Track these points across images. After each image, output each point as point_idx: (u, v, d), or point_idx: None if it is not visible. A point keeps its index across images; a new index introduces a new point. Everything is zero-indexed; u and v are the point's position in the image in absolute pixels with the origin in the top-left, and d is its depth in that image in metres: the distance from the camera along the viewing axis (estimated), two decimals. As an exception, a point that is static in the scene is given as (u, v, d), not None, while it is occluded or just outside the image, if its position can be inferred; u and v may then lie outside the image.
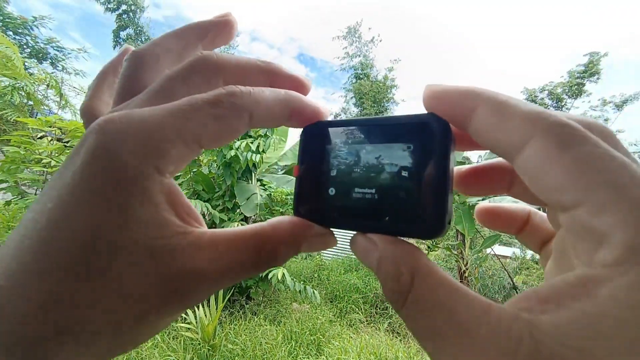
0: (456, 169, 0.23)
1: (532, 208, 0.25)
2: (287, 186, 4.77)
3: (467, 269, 5.12)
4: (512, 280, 6.22)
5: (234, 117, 0.19)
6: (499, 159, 0.22)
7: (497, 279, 6.74)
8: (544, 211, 0.24)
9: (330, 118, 0.24)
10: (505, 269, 6.20)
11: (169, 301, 0.17)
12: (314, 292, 3.79)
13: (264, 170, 5.46)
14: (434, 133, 0.19)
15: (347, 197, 0.21)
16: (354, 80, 19.95)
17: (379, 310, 5.10)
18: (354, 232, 0.21)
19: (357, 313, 4.84)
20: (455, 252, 5.37)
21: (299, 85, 0.23)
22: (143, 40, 20.52)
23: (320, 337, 3.74)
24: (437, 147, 0.19)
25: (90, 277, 0.15)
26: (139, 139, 0.16)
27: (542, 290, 0.15)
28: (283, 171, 5.93)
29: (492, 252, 6.46)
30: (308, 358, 3.31)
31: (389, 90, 19.70)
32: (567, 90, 13.46)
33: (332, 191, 0.22)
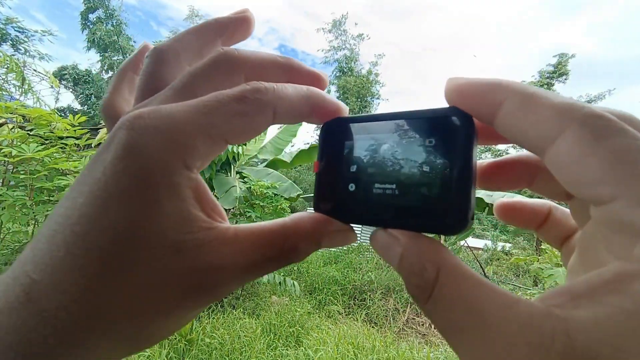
0: (477, 163, 0.22)
1: (552, 203, 0.25)
2: (267, 179, 4.72)
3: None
4: (484, 271, 6.52)
5: (258, 112, 0.19)
6: (520, 153, 0.22)
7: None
8: (565, 206, 0.24)
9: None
10: (477, 260, 6.48)
11: (195, 295, 0.17)
12: (293, 283, 3.81)
13: (243, 162, 5.37)
14: (456, 127, 0.18)
15: (368, 192, 0.21)
16: (339, 74, 19.95)
17: (357, 301, 5.19)
18: (374, 228, 0.21)
19: (336, 305, 4.91)
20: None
21: (317, 80, 0.24)
22: (114, 24, 19.50)
23: (299, 328, 3.77)
24: (459, 141, 0.18)
25: (122, 271, 0.16)
26: (168, 134, 0.17)
27: (575, 286, 0.14)
28: (263, 164, 5.87)
29: (466, 244, 6.71)
30: (287, 349, 3.33)
31: (372, 85, 19.88)
32: (537, 90, 14.08)
33: (352, 187, 0.22)
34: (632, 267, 0.13)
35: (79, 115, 2.97)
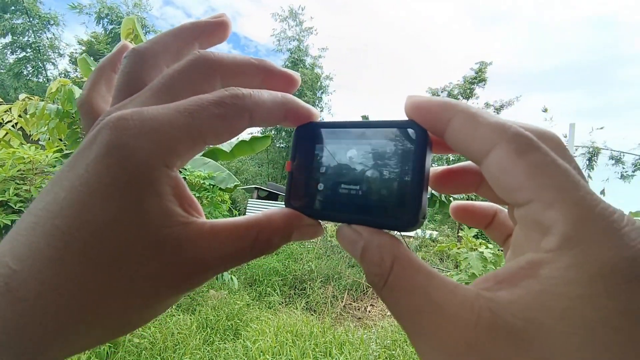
0: (432, 169, 0.26)
1: (498, 206, 0.28)
2: (203, 169, 4.48)
3: (376, 248, 5.66)
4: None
5: (236, 117, 0.20)
6: (469, 162, 0.25)
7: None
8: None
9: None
10: (407, 247, 7.03)
11: (174, 285, 0.18)
12: (231, 277, 3.72)
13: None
14: (414, 139, 0.21)
15: (335, 192, 0.23)
16: (290, 65, 19.59)
17: (297, 290, 5.30)
18: (338, 224, 0.23)
19: (276, 295, 4.95)
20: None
21: (290, 81, 0.25)
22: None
23: (238, 321, 3.73)
24: (416, 151, 0.21)
25: (102, 263, 0.16)
26: (151, 136, 0.17)
27: (499, 273, 0.17)
28: (201, 153, 5.54)
29: (398, 233, 7.23)
30: (225, 343, 3.27)
31: (318, 79, 20.00)
32: (462, 92, 15.63)
33: (321, 186, 0.24)
34: (539, 256, 0.16)
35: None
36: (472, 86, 15.42)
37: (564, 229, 0.15)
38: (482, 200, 0.30)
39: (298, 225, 0.23)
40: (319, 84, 20.19)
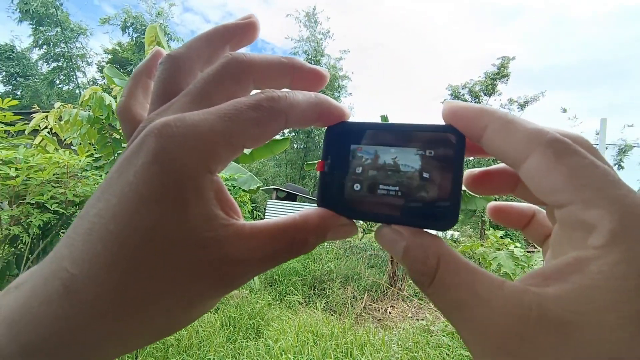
0: (469, 171, 0.27)
1: (536, 207, 0.28)
2: (225, 171, 4.58)
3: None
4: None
5: (272, 120, 0.21)
6: (522, 204, 0.26)
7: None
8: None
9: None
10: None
11: (217, 286, 0.19)
12: (253, 277, 3.77)
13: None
14: (452, 143, 0.22)
15: (372, 192, 0.23)
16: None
17: (316, 291, 5.31)
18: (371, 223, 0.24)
19: (296, 295, 4.98)
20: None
21: (319, 77, 0.25)
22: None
23: (260, 320, 3.78)
24: (455, 155, 0.22)
25: (153, 266, 0.17)
26: (194, 142, 0.18)
27: (545, 269, 0.18)
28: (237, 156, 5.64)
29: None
30: (247, 341, 3.33)
31: (338, 80, 20.01)
32: (483, 89, 15.17)
33: (357, 186, 0.24)
34: (586, 253, 0.16)
35: (9, 99, 2.64)
36: (495, 82, 14.92)
37: (610, 226, 0.16)
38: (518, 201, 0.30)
39: (333, 225, 0.23)
40: (337, 84, 20.16)
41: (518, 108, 15.07)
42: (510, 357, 0.16)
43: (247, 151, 5.59)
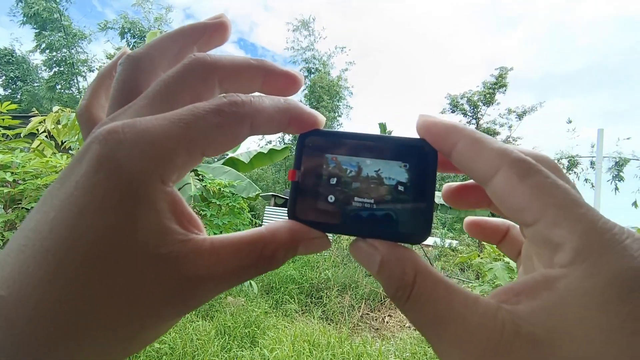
0: (447, 185, 0.28)
1: (511, 222, 0.29)
2: (223, 177, 4.58)
3: (394, 257, 5.56)
4: (433, 266, 6.95)
5: (235, 125, 0.19)
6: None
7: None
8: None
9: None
10: (426, 256, 6.88)
11: (172, 305, 0.18)
12: (250, 283, 3.74)
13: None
14: (426, 157, 0.22)
15: (347, 205, 0.23)
16: (306, 73, 19.80)
17: (313, 299, 5.26)
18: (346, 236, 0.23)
19: (293, 303, 4.93)
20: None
21: (292, 81, 0.24)
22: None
23: (255, 329, 3.73)
24: (428, 168, 0.22)
25: (95, 285, 0.15)
26: (144, 149, 0.16)
27: (515, 286, 0.18)
28: (221, 161, 5.68)
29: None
30: (242, 350, 3.28)
31: (341, 90, 20.19)
32: (481, 99, 15.28)
33: (331, 198, 0.23)
34: (553, 272, 0.17)
35: (8, 102, 2.65)
36: (492, 92, 15.06)
37: (574, 245, 0.16)
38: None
39: (304, 239, 0.22)
40: (338, 92, 20.30)
41: (516, 118, 15.16)
42: None
43: (245, 159, 5.63)
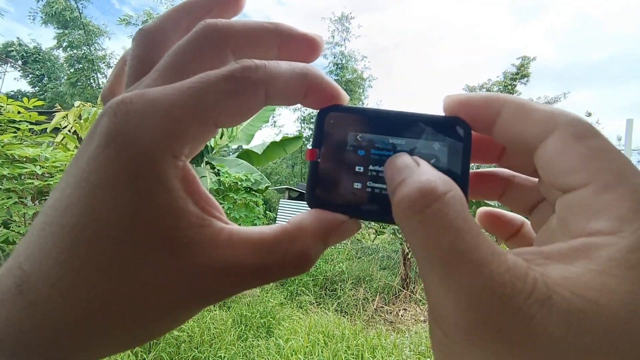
0: None
1: (525, 219, 0.27)
2: (237, 169, 4.63)
3: (409, 251, 5.52)
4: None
5: (249, 92, 0.18)
6: (495, 169, 0.25)
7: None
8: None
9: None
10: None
11: (186, 297, 0.16)
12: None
13: (213, 152, 5.23)
14: (459, 134, 0.21)
15: (376, 186, 0.21)
16: (334, 68, 19.57)
17: (328, 291, 5.29)
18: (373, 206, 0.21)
19: (307, 295, 4.98)
20: (400, 236, 5.74)
21: (312, 46, 0.22)
22: (73, -1, 18.01)
23: (271, 319, 3.79)
24: (463, 147, 0.21)
25: (107, 267, 0.15)
26: (153, 120, 0.16)
27: (545, 250, 0.16)
28: (235, 154, 5.74)
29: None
30: (258, 340, 3.34)
31: (364, 83, 19.98)
32: (502, 90, 14.80)
33: (358, 179, 0.21)
34: (595, 239, 0.15)
35: (35, 99, 2.75)
36: (514, 82, 14.54)
37: (622, 212, 0.15)
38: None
39: (334, 226, 0.20)
40: (362, 86, 20.10)
41: (538, 109, 14.62)
42: (495, 335, 0.14)
43: (258, 150, 5.66)
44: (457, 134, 0.21)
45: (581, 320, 0.13)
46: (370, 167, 0.21)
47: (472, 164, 0.21)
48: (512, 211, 0.27)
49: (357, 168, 0.21)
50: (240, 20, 0.20)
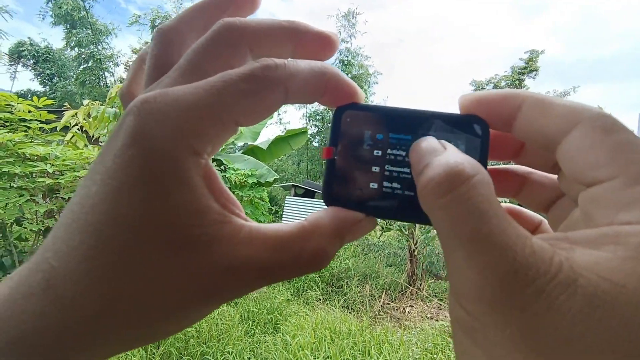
0: None
1: (543, 219, 0.26)
2: (243, 165, 4.65)
3: (416, 248, 5.50)
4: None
5: (269, 91, 0.18)
6: (512, 165, 0.24)
7: (442, 257, 7.34)
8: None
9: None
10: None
11: (205, 294, 0.17)
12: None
13: (220, 150, 5.26)
14: (478, 133, 0.21)
15: (392, 185, 0.21)
16: (339, 65, 19.52)
17: (334, 288, 5.31)
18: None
19: (313, 291, 5.00)
20: (407, 233, 5.72)
21: (327, 43, 0.22)
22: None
23: (278, 315, 3.82)
24: (482, 144, 0.20)
25: (131, 263, 0.15)
26: (175, 118, 0.16)
27: (571, 236, 0.16)
28: (241, 150, 5.77)
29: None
30: (265, 336, 3.37)
31: (369, 78, 19.92)
32: (509, 84, 14.59)
33: (375, 178, 0.21)
34: (625, 228, 0.15)
35: (44, 98, 2.80)
36: (522, 77, 14.31)
37: None
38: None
39: (350, 224, 0.20)
40: (368, 82, 20.04)
41: (547, 104, 14.38)
42: (517, 313, 0.14)
43: (264, 146, 5.68)
44: (475, 132, 0.21)
45: (607, 303, 0.13)
46: (387, 166, 0.21)
47: (489, 162, 0.21)
48: (529, 209, 0.26)
49: (373, 166, 0.22)
50: (257, 19, 0.20)
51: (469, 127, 0.21)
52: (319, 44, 0.22)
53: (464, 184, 0.16)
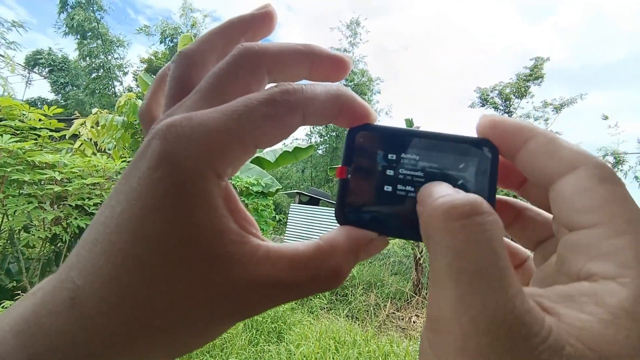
0: None
1: (530, 253, 0.27)
2: (248, 174, 4.69)
3: (422, 256, 5.44)
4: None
5: (288, 115, 0.19)
6: (506, 197, 0.25)
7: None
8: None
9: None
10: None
11: (229, 309, 0.17)
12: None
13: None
14: (490, 156, 0.21)
15: (404, 205, 0.21)
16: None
17: (339, 297, 5.26)
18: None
19: (318, 300, 4.96)
20: (412, 242, 5.68)
21: (341, 66, 0.23)
22: (94, 9, 18.77)
23: (282, 324, 3.79)
24: (491, 168, 0.21)
25: (156, 282, 0.16)
26: (201, 143, 0.17)
27: (549, 292, 0.16)
28: (250, 158, 5.82)
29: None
30: (269, 345, 3.34)
31: (372, 86, 20.08)
32: (514, 91, 14.55)
33: (387, 198, 0.22)
34: (603, 285, 0.15)
35: (54, 107, 2.86)
36: (527, 84, 14.27)
37: (629, 259, 0.15)
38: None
39: (364, 244, 0.21)
40: (371, 87, 20.18)
41: (553, 111, 14.29)
42: None
43: (271, 158, 5.73)
44: (486, 157, 0.21)
45: None
46: (399, 185, 0.22)
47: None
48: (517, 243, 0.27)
49: (386, 187, 0.22)
50: (274, 43, 0.21)
51: (480, 152, 0.21)
52: (333, 66, 0.23)
53: (481, 215, 0.16)
